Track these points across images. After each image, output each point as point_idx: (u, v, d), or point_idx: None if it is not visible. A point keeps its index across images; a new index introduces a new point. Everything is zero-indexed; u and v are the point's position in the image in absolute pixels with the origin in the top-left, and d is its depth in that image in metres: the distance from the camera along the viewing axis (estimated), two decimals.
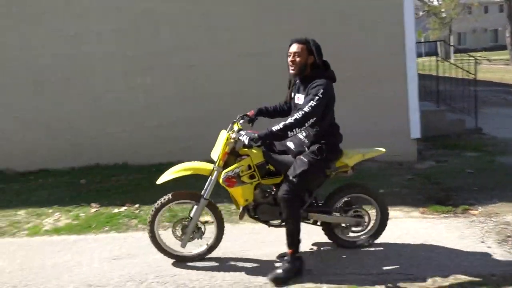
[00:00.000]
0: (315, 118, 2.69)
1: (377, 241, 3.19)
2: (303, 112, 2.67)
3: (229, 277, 2.84)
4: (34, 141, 5.59)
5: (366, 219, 3.12)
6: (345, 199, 3.08)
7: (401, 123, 5.35)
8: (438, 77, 8.10)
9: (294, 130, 2.66)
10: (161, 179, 2.98)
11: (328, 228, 3.09)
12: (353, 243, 3.17)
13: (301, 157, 2.84)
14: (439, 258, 2.97)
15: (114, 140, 5.55)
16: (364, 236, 3.18)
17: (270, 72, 4.99)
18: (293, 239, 2.80)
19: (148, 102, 5.56)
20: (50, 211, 4.28)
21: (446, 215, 3.81)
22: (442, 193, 4.40)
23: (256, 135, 2.64)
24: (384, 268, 2.88)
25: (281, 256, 2.96)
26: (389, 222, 3.29)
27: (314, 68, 2.83)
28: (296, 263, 2.80)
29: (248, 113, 3.13)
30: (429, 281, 2.67)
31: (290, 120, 2.70)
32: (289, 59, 2.82)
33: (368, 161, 5.21)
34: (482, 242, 3.20)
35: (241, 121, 3.05)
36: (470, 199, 4.15)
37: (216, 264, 3.03)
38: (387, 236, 3.23)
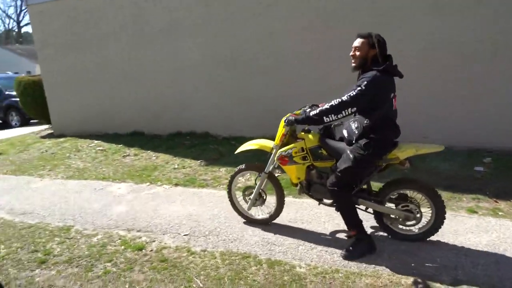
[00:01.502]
0: (354, 108, 2.64)
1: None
2: (340, 100, 2.65)
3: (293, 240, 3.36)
4: (233, 111, 7.09)
5: (417, 215, 3.01)
6: (400, 192, 3.03)
7: None
8: None
9: (329, 116, 2.66)
10: (239, 150, 3.67)
11: (378, 217, 3.14)
12: (403, 236, 3.14)
13: (348, 152, 2.83)
14: None
15: None
16: (416, 231, 3.12)
17: None
18: (351, 222, 2.96)
19: None
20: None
21: None
22: None
23: (292, 117, 2.98)
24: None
25: (349, 237, 3.14)
26: None
27: (374, 63, 2.73)
28: (363, 242, 2.98)
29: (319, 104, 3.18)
30: None
31: (326, 106, 2.70)
32: (351, 53, 2.82)
33: None
34: None
35: (308, 109, 3.17)
36: None
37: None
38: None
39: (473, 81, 5.35)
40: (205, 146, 6.67)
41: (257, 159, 5.10)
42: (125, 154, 6.64)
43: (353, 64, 2.83)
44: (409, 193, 3.06)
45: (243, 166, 3.61)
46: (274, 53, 6.55)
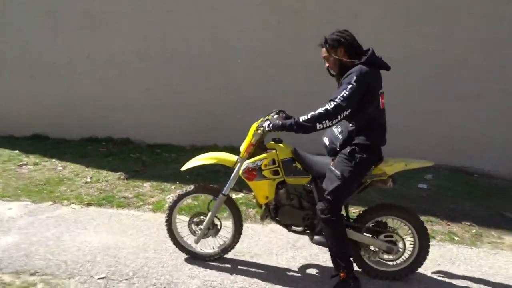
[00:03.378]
0: (349, 110, 2.21)
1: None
2: (334, 103, 2.21)
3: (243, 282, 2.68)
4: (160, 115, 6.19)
5: (401, 246, 2.61)
6: (379, 219, 2.59)
7: None
8: None
9: (324, 122, 2.21)
10: (186, 166, 2.84)
11: (354, 250, 2.63)
12: (383, 273, 2.68)
13: (333, 168, 2.38)
14: None
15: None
16: (398, 267, 2.68)
17: None
18: (343, 261, 2.42)
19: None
20: (173, 187, 4.41)
21: None
22: None
23: (279, 122, 2.39)
24: None
25: (333, 276, 2.54)
26: None
27: (350, 59, 2.38)
28: (351, 284, 2.47)
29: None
30: None
31: (319, 110, 2.23)
32: (325, 65, 2.52)
33: (481, 177, 5.12)
34: None
35: (275, 115, 2.77)
36: None
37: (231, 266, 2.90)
38: None
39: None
40: (126, 155, 5.71)
41: (196, 175, 4.44)
42: (21, 163, 5.36)
43: (334, 73, 2.52)
44: (390, 221, 2.65)
45: (192, 188, 2.88)
46: (218, 52, 5.87)
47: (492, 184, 4.90)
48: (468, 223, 3.76)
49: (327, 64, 2.49)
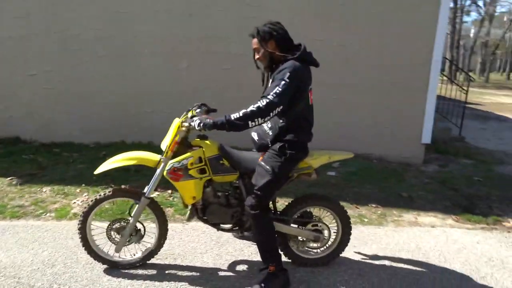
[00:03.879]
0: (281, 107, 2.20)
1: (443, 258, 3.07)
2: (267, 100, 2.17)
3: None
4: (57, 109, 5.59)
5: (326, 234, 2.73)
6: (305, 210, 2.68)
7: (415, 128, 5.72)
8: None
9: (256, 120, 2.17)
10: (100, 169, 2.55)
11: (282, 241, 2.68)
12: (308, 260, 2.78)
13: (263, 163, 2.37)
14: None
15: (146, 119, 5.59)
16: (323, 253, 2.82)
17: None
18: (272, 254, 2.45)
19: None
20: (78, 190, 4.01)
21: (482, 225, 3.83)
22: (464, 200, 4.47)
23: (210, 121, 2.25)
24: None
25: (262, 270, 2.55)
26: (435, 229, 3.60)
27: (282, 53, 2.34)
28: (280, 276, 2.50)
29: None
30: None
31: (251, 108, 2.18)
32: (255, 57, 2.45)
33: (379, 161, 5.46)
34: None
35: (198, 110, 2.66)
36: (494, 209, 4.26)
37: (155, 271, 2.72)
38: (446, 251, 3.21)
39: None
40: (17, 156, 4.99)
41: (104, 176, 4.07)
42: None
43: (263, 67, 2.47)
44: (313, 210, 2.74)
45: (110, 192, 2.61)
46: (126, 38, 5.44)
47: (389, 167, 5.45)
48: (374, 205, 4.12)
49: (257, 56, 2.42)
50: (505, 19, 35.86)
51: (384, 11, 5.41)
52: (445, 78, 9.87)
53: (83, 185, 4.17)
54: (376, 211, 4.00)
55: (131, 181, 4.28)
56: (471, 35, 35.92)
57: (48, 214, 3.56)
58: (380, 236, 3.44)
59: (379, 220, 3.79)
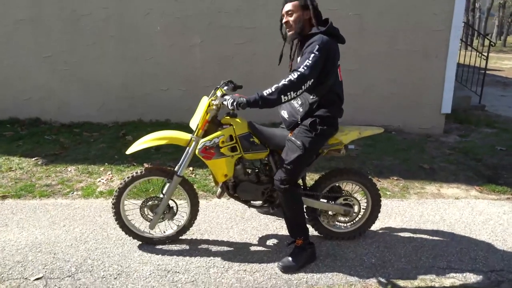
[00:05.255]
0: (312, 80, 2.17)
1: (469, 230, 3.08)
2: (298, 73, 2.15)
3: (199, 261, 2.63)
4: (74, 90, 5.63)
5: (356, 209, 2.75)
6: (335, 185, 2.68)
7: (434, 98, 5.58)
8: None
9: (288, 94, 2.15)
10: (132, 149, 2.59)
11: (313, 216, 2.72)
12: (337, 234, 2.82)
13: (293, 138, 2.36)
14: None
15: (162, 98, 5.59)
16: (350, 228, 2.84)
17: None
18: (300, 227, 2.49)
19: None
20: (101, 169, 4.11)
21: (508, 195, 3.79)
22: (488, 171, 4.40)
23: (243, 99, 2.22)
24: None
25: (289, 244, 2.62)
26: (459, 201, 3.59)
27: (312, 27, 2.31)
28: (308, 250, 2.55)
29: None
30: None
31: (283, 82, 2.16)
32: (283, 20, 2.38)
33: (398, 133, 5.42)
34: None
35: (225, 87, 2.59)
36: None
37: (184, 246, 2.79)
38: (472, 223, 3.20)
39: None
40: (39, 137, 5.07)
41: (126, 154, 4.11)
42: None
43: (290, 32, 2.36)
44: (343, 185, 2.75)
45: (142, 171, 2.63)
46: (137, 16, 5.39)
47: (408, 139, 5.38)
48: (395, 178, 4.09)
49: (287, 19, 2.34)
50: None
51: None
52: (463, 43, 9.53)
53: (106, 164, 4.24)
54: (398, 183, 3.98)
55: (152, 159, 4.34)
56: None
57: (75, 193, 3.64)
58: (404, 208, 3.44)
59: (402, 193, 3.78)
